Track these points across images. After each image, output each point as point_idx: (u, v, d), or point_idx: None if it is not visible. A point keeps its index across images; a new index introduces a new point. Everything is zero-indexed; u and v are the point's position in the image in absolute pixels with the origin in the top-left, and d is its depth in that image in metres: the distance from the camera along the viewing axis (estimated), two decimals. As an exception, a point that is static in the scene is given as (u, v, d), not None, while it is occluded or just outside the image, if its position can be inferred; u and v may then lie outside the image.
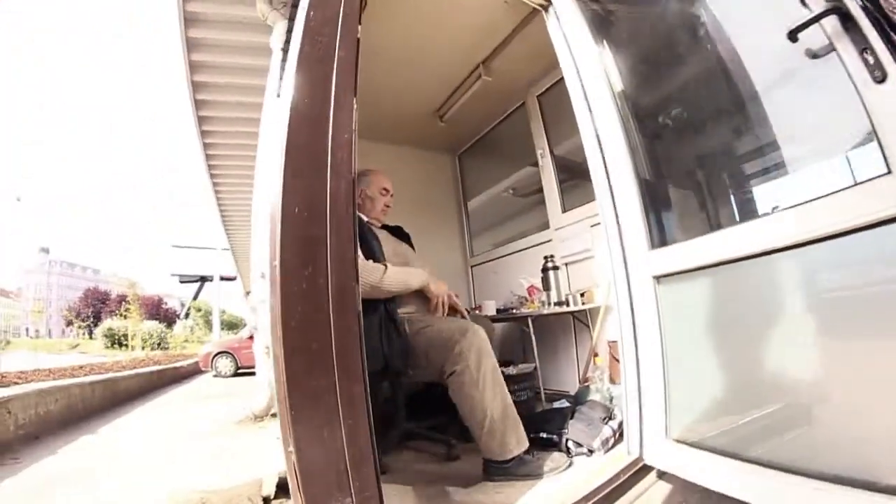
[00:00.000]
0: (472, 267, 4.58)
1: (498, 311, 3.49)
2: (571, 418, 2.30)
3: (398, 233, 2.81)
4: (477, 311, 3.59)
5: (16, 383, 5.27)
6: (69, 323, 58.19)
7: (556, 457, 2.01)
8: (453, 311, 2.51)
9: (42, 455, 3.71)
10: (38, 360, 12.83)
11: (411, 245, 2.85)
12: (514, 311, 3.35)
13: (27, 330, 66.09)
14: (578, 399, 2.65)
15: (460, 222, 4.74)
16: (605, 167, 2.02)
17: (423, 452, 2.53)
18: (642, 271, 1.89)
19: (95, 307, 56.95)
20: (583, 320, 3.27)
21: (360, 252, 2.29)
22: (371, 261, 2.21)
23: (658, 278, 1.83)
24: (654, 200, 1.95)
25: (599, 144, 2.05)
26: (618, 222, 1.98)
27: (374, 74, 3.38)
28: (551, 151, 3.60)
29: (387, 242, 2.51)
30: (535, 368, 3.09)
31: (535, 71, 3.53)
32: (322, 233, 1.24)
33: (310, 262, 1.21)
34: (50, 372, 7.11)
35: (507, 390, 2.05)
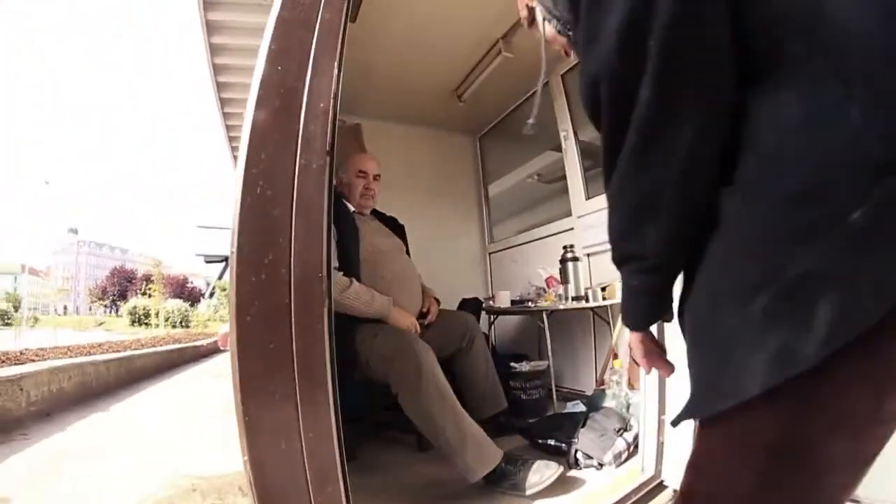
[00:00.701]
0: (490, 254, 4.40)
1: (513, 302, 3.30)
2: (583, 426, 2.11)
3: (391, 224, 2.70)
4: (491, 302, 3.40)
5: (32, 360, 5.33)
6: (96, 300, 60.26)
7: (543, 466, 1.81)
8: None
9: (52, 432, 3.77)
10: (58, 337, 13.16)
11: (404, 239, 2.74)
12: (531, 303, 3.15)
13: (55, 308, 68.73)
14: (592, 404, 2.47)
15: (479, 207, 4.55)
16: None
17: (395, 443, 2.54)
18: None
19: (121, 286, 58.82)
20: (603, 317, 3.06)
21: (332, 244, 2.21)
22: (336, 268, 2.13)
23: None
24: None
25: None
26: None
27: (387, 51, 3.20)
28: (575, 134, 3.37)
29: (369, 234, 2.43)
30: (549, 366, 2.90)
31: (557, 48, 3.27)
32: (286, 215, 1.08)
33: (270, 248, 1.05)
34: (68, 349, 7.18)
35: (459, 409, 1.92)
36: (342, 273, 2.18)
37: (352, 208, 2.50)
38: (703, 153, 0.56)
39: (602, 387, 2.61)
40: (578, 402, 2.67)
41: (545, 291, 3.15)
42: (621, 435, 2.05)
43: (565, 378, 3.35)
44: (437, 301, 2.63)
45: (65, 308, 71.39)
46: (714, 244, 0.58)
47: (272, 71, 1.20)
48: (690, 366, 0.62)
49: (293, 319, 1.02)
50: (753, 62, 0.55)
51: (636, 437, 1.99)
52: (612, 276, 2.95)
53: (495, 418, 2.40)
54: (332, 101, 1.22)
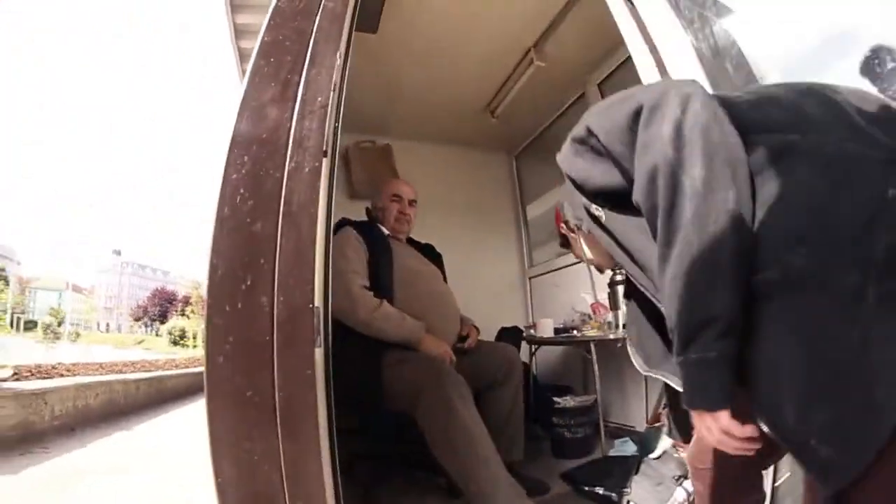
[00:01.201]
0: (530, 279, 4.12)
1: (556, 331, 3.01)
2: (636, 472, 1.82)
3: (428, 251, 2.54)
4: (532, 331, 3.13)
5: (62, 375, 5.37)
6: (137, 319, 62.58)
7: None
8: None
9: (73, 447, 3.80)
10: (94, 353, 13.49)
11: (441, 267, 2.55)
12: (576, 331, 2.86)
13: (98, 324, 71.65)
14: (645, 443, 2.17)
15: (518, 229, 4.29)
16: None
17: (422, 486, 2.25)
18: None
19: (162, 306, 60.71)
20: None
21: (359, 264, 2.00)
22: (366, 287, 2.01)
23: None
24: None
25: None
26: None
27: (412, 65, 3.04)
28: (619, 146, 3.10)
29: (404, 256, 2.26)
30: (596, 401, 2.60)
31: (593, 54, 3.03)
32: (270, 229, 0.87)
33: (248, 270, 0.84)
34: (101, 366, 7.19)
35: (492, 453, 1.72)
36: (372, 293, 2.00)
37: (386, 231, 2.36)
38: (746, 210, 0.68)
39: (657, 423, 2.30)
40: (628, 439, 2.40)
41: (591, 318, 2.86)
42: (681, 483, 1.75)
43: (613, 412, 3.03)
44: (477, 329, 2.42)
45: (107, 325, 74.32)
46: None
47: (264, 64, 1.03)
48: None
49: (275, 362, 0.81)
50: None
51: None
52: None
53: (510, 467, 2.13)
54: (332, 94, 1.02)
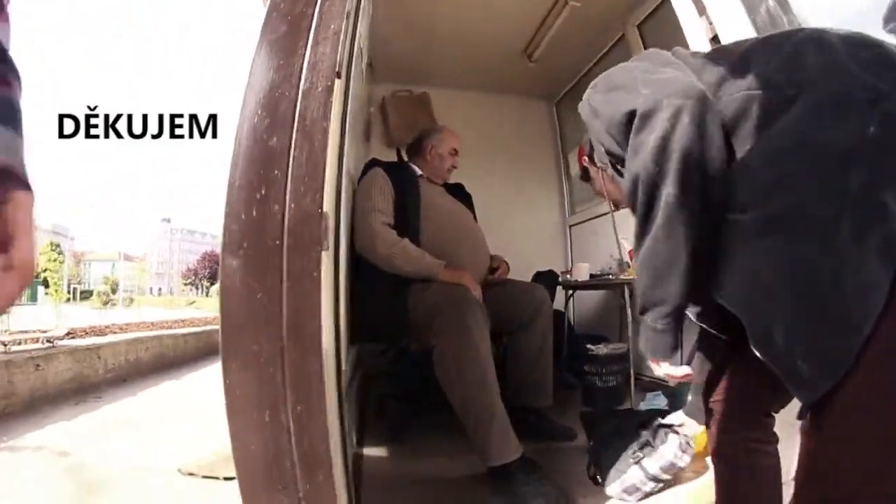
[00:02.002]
0: (570, 227, 4.09)
1: (592, 276, 2.99)
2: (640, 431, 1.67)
3: (457, 190, 2.55)
4: (567, 276, 3.12)
5: (115, 333, 5.73)
6: (188, 282, 65.55)
7: (554, 498, 1.58)
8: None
9: (123, 396, 4.15)
10: (146, 314, 14.22)
11: (471, 206, 2.56)
12: (611, 276, 2.84)
13: (151, 289, 75.34)
14: (677, 397, 2.14)
15: (559, 177, 4.25)
16: None
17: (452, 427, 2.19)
18: None
19: (212, 268, 63.14)
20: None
21: (383, 203, 2.03)
22: (389, 225, 2.04)
23: None
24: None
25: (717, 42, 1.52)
26: None
27: (446, 11, 3.00)
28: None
29: (432, 195, 2.27)
30: (628, 350, 2.58)
31: (632, -7, 2.94)
32: (284, 143, 0.90)
33: (263, 181, 0.88)
34: (152, 324, 7.59)
35: (494, 388, 1.73)
36: (395, 231, 2.03)
37: (419, 172, 2.39)
38: (704, 231, 0.83)
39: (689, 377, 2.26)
40: (660, 393, 2.35)
41: (628, 266, 2.82)
42: (639, 462, 1.58)
43: (647, 364, 3.00)
44: (507, 265, 2.45)
45: (159, 290, 78.43)
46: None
47: (280, 4, 1.04)
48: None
49: (285, 265, 0.85)
50: None
51: (672, 467, 1.58)
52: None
53: (533, 413, 2.17)
54: (344, 21, 1.03)
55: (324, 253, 0.86)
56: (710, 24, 1.62)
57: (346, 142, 1.07)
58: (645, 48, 2.97)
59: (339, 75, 0.96)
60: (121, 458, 2.47)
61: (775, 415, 1.09)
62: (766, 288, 0.76)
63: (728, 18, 1.54)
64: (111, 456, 2.51)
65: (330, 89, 0.94)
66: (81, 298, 47.71)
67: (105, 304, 32.39)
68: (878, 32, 1.27)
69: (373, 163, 2.28)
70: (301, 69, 0.97)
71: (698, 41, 1.66)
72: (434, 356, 1.79)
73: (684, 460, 1.57)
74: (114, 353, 4.78)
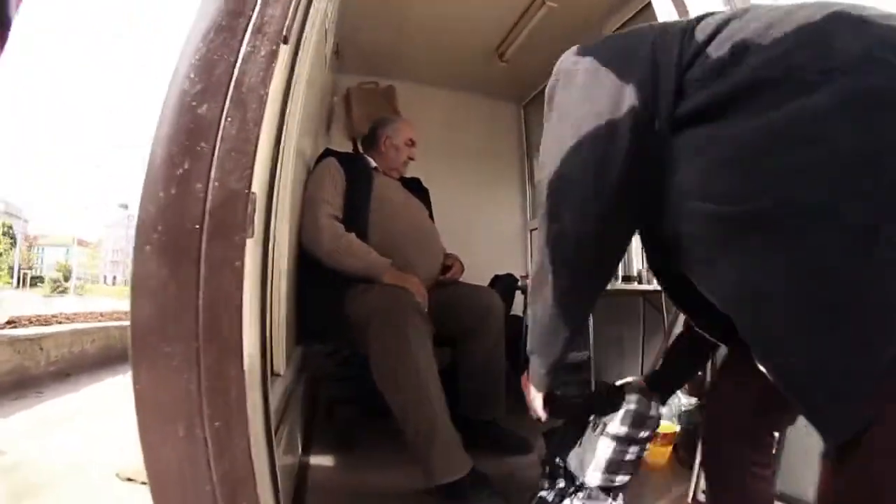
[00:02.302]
0: (531, 231, 4.04)
1: (551, 282, 2.92)
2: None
3: (413, 185, 2.44)
4: (527, 280, 3.04)
5: (60, 323, 5.40)
6: None
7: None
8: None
9: (66, 391, 3.88)
10: (93, 303, 13.67)
11: (427, 203, 2.45)
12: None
13: (105, 277, 72.75)
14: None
15: (522, 180, 4.20)
16: None
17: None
18: None
19: None
20: (655, 304, 2.66)
21: (332, 194, 1.96)
22: (336, 218, 1.93)
23: None
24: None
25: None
26: None
27: (421, 4, 2.90)
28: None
29: (384, 188, 2.16)
30: (589, 358, 2.52)
31: (606, 2, 2.90)
32: (214, 114, 0.77)
33: (187, 155, 0.75)
34: (101, 314, 7.21)
35: (436, 398, 1.61)
36: (342, 224, 1.92)
37: (373, 164, 2.27)
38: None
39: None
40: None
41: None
42: (604, 432, 1.28)
43: (609, 373, 2.97)
44: (462, 265, 2.33)
45: (114, 279, 75.65)
46: None
47: None
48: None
49: (202, 252, 0.72)
50: None
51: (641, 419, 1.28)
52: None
53: (485, 425, 2.05)
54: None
55: (249, 241, 0.74)
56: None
57: (292, 118, 0.94)
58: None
59: (285, 40, 0.84)
60: (59, 457, 2.32)
61: (777, 434, 1.03)
62: (771, 296, 0.63)
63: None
64: (50, 455, 2.36)
65: (274, 55, 0.81)
66: (31, 285, 45.70)
67: (55, 290, 31.15)
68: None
69: (326, 153, 2.18)
70: (245, 31, 0.84)
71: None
72: (371, 364, 1.67)
73: (653, 409, 1.28)
74: (57, 344, 4.45)
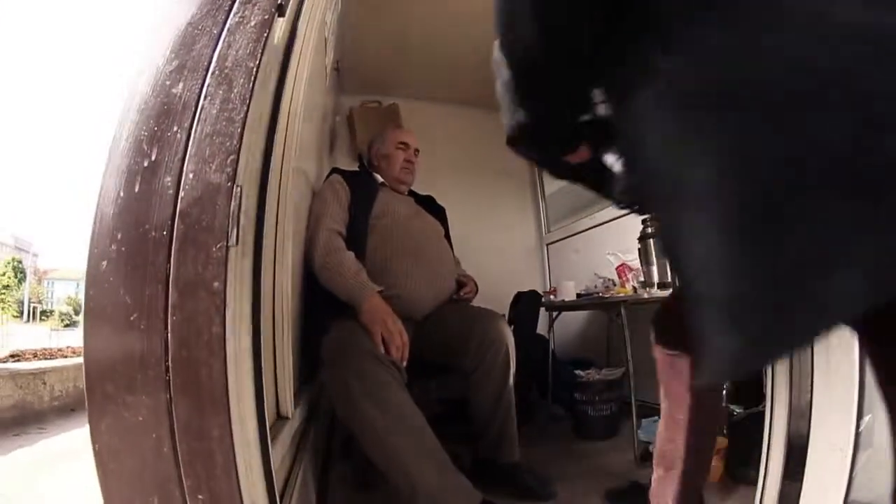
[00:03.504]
0: (547, 245, 3.88)
1: (579, 295, 2.72)
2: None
3: (427, 203, 2.25)
4: (551, 297, 2.85)
5: (65, 357, 5.31)
6: None
7: None
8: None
9: (70, 427, 3.75)
10: None
11: (444, 221, 2.25)
12: (600, 294, 2.57)
13: None
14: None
15: (535, 194, 4.04)
16: None
17: None
18: None
19: None
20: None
21: (334, 208, 1.81)
22: (337, 232, 1.77)
23: None
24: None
25: None
26: None
27: (420, 18, 2.80)
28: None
29: (390, 205, 1.97)
30: (625, 374, 2.31)
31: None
32: (192, 93, 0.59)
33: (156, 142, 0.58)
34: None
35: (410, 463, 1.40)
36: (342, 240, 1.76)
37: (379, 179, 2.10)
38: None
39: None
40: (657, 418, 2.09)
41: (614, 284, 2.57)
42: None
43: (646, 390, 2.74)
44: (476, 286, 2.13)
45: None
46: None
47: None
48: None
49: (171, 267, 0.54)
50: None
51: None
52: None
53: (500, 468, 1.79)
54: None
55: (234, 250, 0.55)
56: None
57: (298, 104, 0.77)
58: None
59: (280, 11, 0.68)
60: (57, 500, 2.23)
61: None
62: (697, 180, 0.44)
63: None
64: (46, 498, 2.26)
65: (266, 23, 0.64)
66: (41, 319, 45.99)
67: (66, 325, 31.37)
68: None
69: (332, 171, 2.03)
70: (234, 2, 0.68)
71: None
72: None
73: None
74: (61, 378, 4.35)
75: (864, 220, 0.37)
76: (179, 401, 0.53)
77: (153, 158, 0.57)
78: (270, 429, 0.77)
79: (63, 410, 4.22)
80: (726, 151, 0.43)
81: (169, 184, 0.55)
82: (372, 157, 2.20)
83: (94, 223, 0.56)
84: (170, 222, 0.54)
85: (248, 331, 0.61)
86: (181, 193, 0.55)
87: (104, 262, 0.54)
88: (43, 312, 51.92)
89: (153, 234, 0.54)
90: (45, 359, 5.07)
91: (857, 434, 1.08)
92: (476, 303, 2.15)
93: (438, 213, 2.27)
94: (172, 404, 0.53)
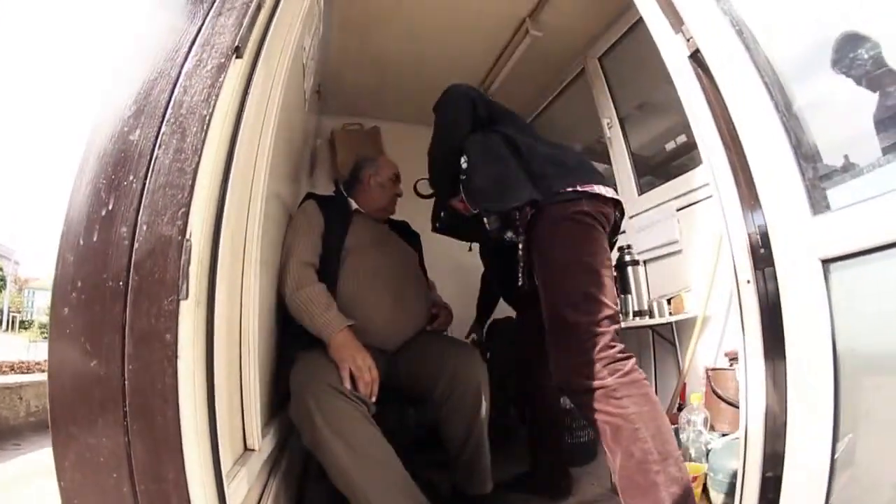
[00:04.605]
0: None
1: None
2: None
3: (401, 228, 2.25)
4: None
5: (42, 370, 5.18)
6: None
7: None
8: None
9: (46, 444, 3.49)
10: None
11: (417, 247, 2.26)
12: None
13: None
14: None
15: (514, 216, 4.03)
16: (713, 90, 1.26)
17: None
18: (798, 252, 1.05)
19: None
20: (665, 336, 2.49)
21: (307, 238, 1.82)
22: (310, 264, 1.77)
23: (830, 262, 0.98)
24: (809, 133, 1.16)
25: (699, 64, 1.31)
26: (740, 176, 1.19)
27: (401, 39, 2.81)
28: (621, 122, 2.85)
29: (363, 232, 1.96)
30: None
31: (593, 24, 2.80)
32: (148, 140, 0.62)
33: (113, 191, 0.60)
34: None
35: (374, 485, 1.42)
36: (313, 271, 1.76)
37: (354, 206, 2.07)
38: None
39: (674, 426, 2.03)
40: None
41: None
42: None
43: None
44: (451, 313, 2.12)
45: None
46: None
47: None
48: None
49: (126, 317, 0.56)
50: None
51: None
52: (676, 286, 2.40)
53: (473, 500, 1.81)
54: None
55: (185, 304, 0.57)
56: (689, 39, 1.44)
57: (252, 144, 0.79)
58: (606, 80, 2.88)
59: (238, 53, 0.70)
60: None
61: None
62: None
63: (710, 31, 1.36)
64: None
65: (222, 68, 0.67)
66: (20, 328, 45.10)
67: (43, 335, 30.75)
68: (825, 73, 1.28)
69: (307, 196, 2.02)
70: (192, 43, 0.70)
71: (676, 61, 1.47)
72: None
73: None
74: (37, 394, 4.28)
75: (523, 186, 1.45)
76: (137, 444, 0.55)
77: (110, 208, 0.59)
78: (237, 462, 0.78)
79: (39, 426, 4.14)
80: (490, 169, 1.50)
81: (125, 234, 0.58)
82: (363, 179, 2.14)
83: (57, 268, 0.58)
84: (125, 273, 0.56)
85: (203, 377, 0.63)
86: (136, 245, 0.57)
87: (66, 309, 0.56)
88: (22, 323, 50.87)
89: (110, 283, 0.56)
90: (22, 372, 4.97)
91: (834, 457, 1.10)
92: (456, 323, 2.17)
93: (412, 238, 2.27)
94: (131, 447, 0.54)
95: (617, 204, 1.60)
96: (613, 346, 1.35)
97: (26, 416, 4.12)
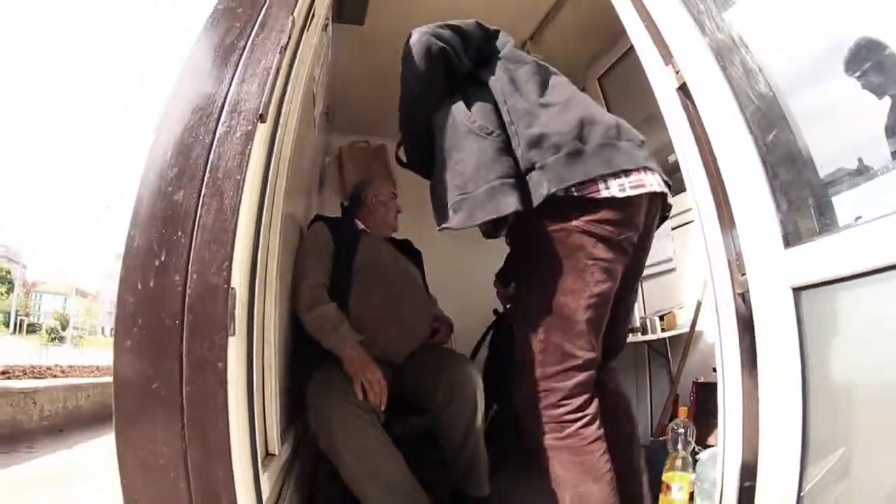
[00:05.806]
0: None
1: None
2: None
3: (404, 247, 2.37)
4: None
5: (55, 376, 5.29)
6: None
7: None
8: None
9: (58, 448, 3.76)
10: (90, 356, 13.40)
11: (419, 265, 2.39)
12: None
13: (102, 329, 72.20)
14: (652, 458, 2.00)
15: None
16: (699, 122, 1.37)
17: None
18: (770, 280, 1.17)
19: None
20: (659, 350, 2.60)
21: (317, 259, 1.94)
22: (322, 284, 1.89)
23: (800, 290, 1.09)
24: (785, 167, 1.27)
25: (687, 96, 1.42)
26: (721, 204, 1.29)
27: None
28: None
29: (370, 252, 2.08)
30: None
31: (592, 46, 2.93)
32: (191, 201, 0.75)
33: (164, 244, 0.73)
34: (97, 368, 7.13)
35: (380, 491, 1.58)
36: (324, 291, 1.88)
37: (360, 226, 2.20)
38: None
39: (663, 437, 2.13)
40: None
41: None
42: None
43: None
44: (451, 326, 2.26)
45: (111, 330, 74.67)
46: None
47: (211, 31, 0.91)
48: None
49: (183, 349, 0.69)
50: None
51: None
52: (669, 302, 2.51)
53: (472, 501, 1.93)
54: (278, 56, 0.90)
55: (232, 339, 0.71)
56: (678, 72, 1.54)
57: (273, 198, 0.93)
58: (605, 101, 2.98)
59: (262, 119, 0.83)
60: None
61: None
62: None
63: (696, 66, 1.46)
64: None
65: (250, 135, 0.80)
66: (27, 332, 45.45)
67: (52, 339, 30.85)
68: (838, 77, 1.25)
69: (315, 219, 2.15)
70: (221, 110, 0.83)
71: (665, 92, 1.58)
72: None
73: None
74: (51, 398, 4.33)
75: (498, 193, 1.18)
76: (192, 450, 0.68)
77: (162, 259, 0.73)
78: (262, 465, 0.91)
79: (52, 431, 4.19)
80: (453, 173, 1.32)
81: (178, 282, 0.71)
82: (367, 200, 2.27)
83: (118, 307, 0.71)
84: (180, 313, 0.70)
85: (245, 396, 0.76)
86: (188, 290, 0.71)
87: (129, 342, 0.69)
88: (30, 325, 51.30)
89: (167, 322, 0.70)
90: (36, 377, 5.05)
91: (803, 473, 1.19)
92: (461, 336, 2.34)
93: (415, 256, 2.39)
94: (187, 452, 0.67)
95: (652, 198, 1.32)
96: (561, 406, 1.20)
97: (40, 420, 4.15)
